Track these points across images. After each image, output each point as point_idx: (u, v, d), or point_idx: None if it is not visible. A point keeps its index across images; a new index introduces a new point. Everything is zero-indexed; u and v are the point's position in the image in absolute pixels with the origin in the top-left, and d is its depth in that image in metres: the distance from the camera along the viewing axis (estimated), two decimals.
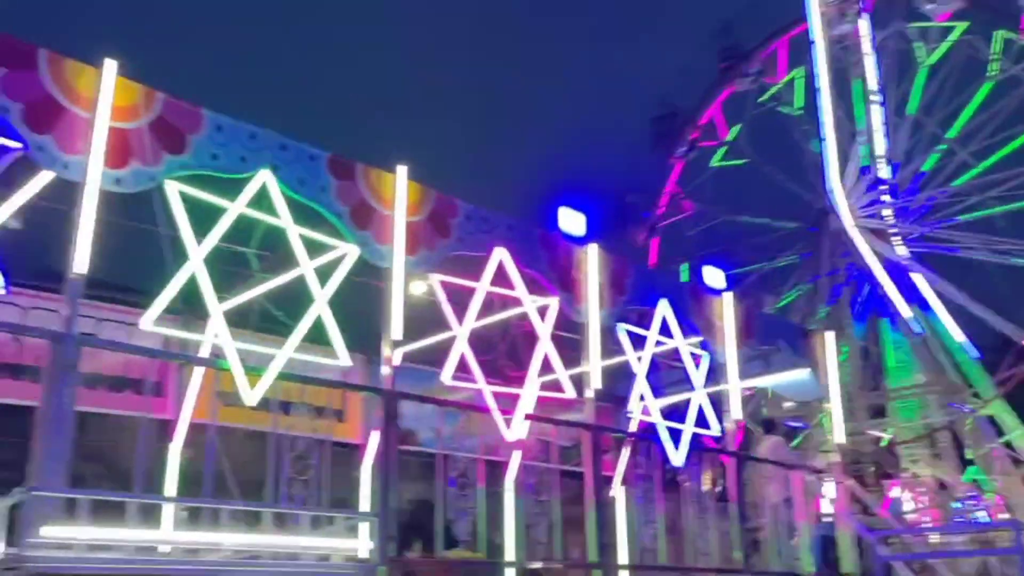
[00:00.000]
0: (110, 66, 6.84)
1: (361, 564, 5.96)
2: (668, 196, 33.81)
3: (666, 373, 11.08)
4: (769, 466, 12.38)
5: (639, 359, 10.31)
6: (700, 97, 33.56)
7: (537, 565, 8.95)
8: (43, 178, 6.82)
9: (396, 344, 8.19)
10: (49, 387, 6.17)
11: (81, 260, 6.49)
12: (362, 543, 6.34)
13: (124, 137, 6.88)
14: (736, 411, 11.29)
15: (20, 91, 6.41)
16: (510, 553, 8.73)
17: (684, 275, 32.09)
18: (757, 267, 31.80)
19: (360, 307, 8.98)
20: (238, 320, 8.33)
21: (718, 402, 11.18)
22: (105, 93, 6.77)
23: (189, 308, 7.68)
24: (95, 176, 6.63)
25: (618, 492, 9.93)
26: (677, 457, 10.17)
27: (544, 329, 9.33)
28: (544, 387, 9.35)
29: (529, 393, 9.05)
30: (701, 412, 10.58)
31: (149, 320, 6.98)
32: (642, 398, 10.15)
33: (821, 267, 30.02)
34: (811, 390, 13.13)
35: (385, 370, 8.12)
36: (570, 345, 9.87)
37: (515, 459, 8.96)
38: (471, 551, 8.91)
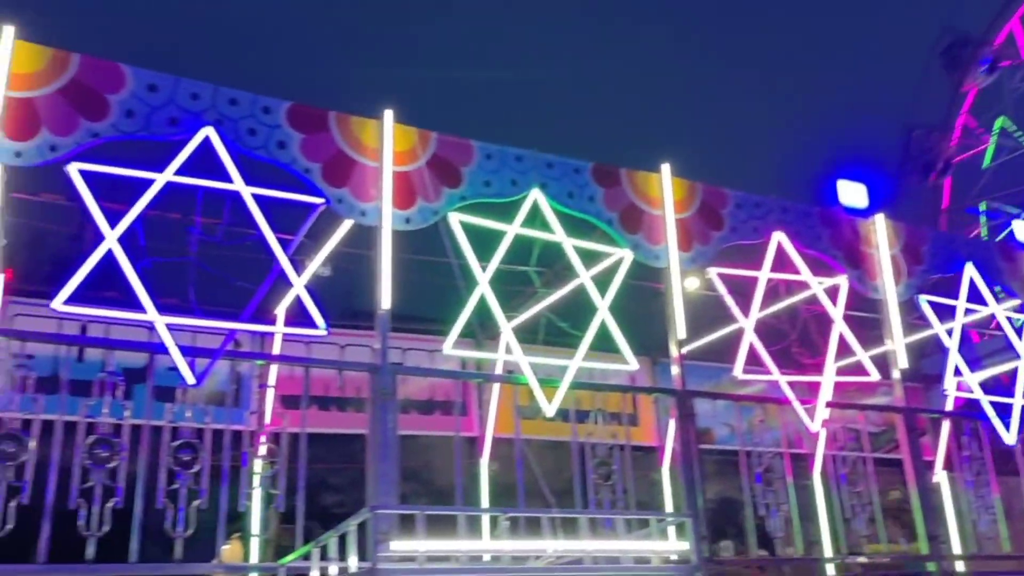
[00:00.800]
0: (388, 116, 7.43)
1: (683, 565, 5.96)
2: (960, 128, 30.37)
3: (983, 343, 10.06)
4: None
5: (948, 331, 9.44)
6: (992, 16, 29.81)
7: (861, 560, 8.44)
8: (344, 227, 7.56)
9: (682, 343, 8.13)
10: (374, 415, 6.77)
11: (385, 296, 7.06)
12: (678, 544, 6.33)
13: (407, 179, 7.42)
14: None
15: (318, 152, 7.14)
16: (828, 548, 8.33)
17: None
18: None
19: (637, 310, 9.02)
20: (527, 336, 8.69)
21: None
22: (387, 142, 7.36)
23: (482, 329, 8.13)
24: (388, 219, 7.20)
25: (941, 477, 9.15)
26: (1009, 435, 9.17)
27: (837, 311, 8.82)
28: (843, 371, 8.85)
29: (828, 379, 8.59)
30: None
31: (449, 344, 7.44)
32: (958, 373, 9.27)
33: None
34: None
35: (675, 370, 8.08)
36: (867, 324, 9.26)
37: (820, 449, 8.55)
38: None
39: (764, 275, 8.61)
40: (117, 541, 6.06)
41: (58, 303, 5.99)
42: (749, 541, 8.06)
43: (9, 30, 6.25)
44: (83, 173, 6.25)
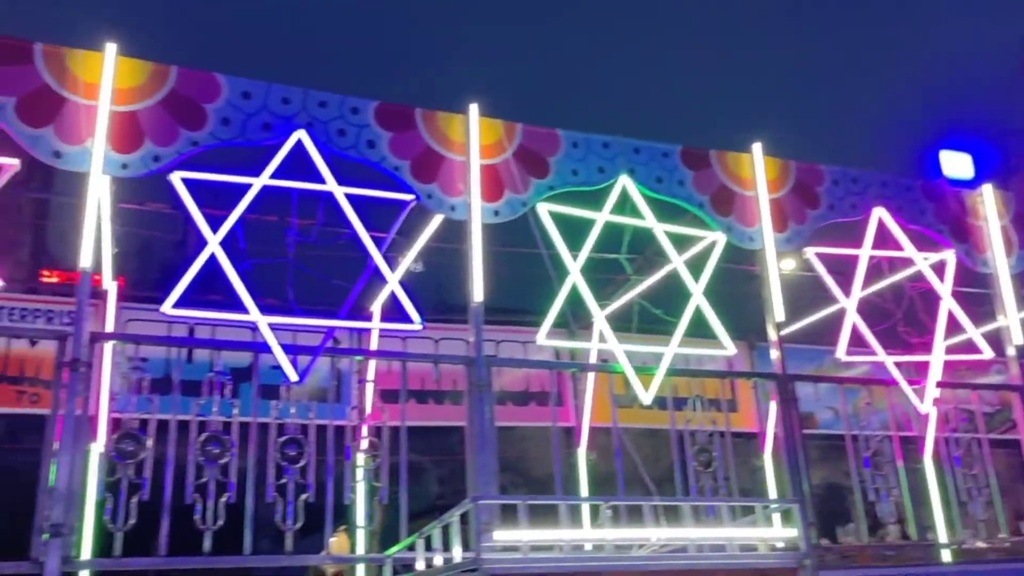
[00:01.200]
0: (473, 110, 7.47)
1: (791, 553, 5.82)
2: None
3: None
4: None
5: None
6: None
7: (980, 545, 8.09)
8: (434, 223, 7.65)
9: (780, 326, 7.94)
10: (471, 407, 6.83)
11: (477, 289, 7.11)
12: (786, 531, 6.19)
13: (495, 172, 7.45)
14: None
15: (406, 149, 7.23)
16: (942, 533, 8.01)
17: None
18: None
19: (732, 293, 8.85)
20: (620, 324, 8.63)
21: None
22: (473, 136, 7.40)
23: (575, 319, 8.11)
24: (477, 212, 7.24)
25: None
26: None
27: (944, 287, 8.48)
28: (953, 350, 8.50)
29: (937, 359, 8.26)
30: None
31: (542, 335, 7.44)
32: None
33: None
34: None
35: (774, 353, 7.90)
36: (977, 300, 8.88)
37: (931, 431, 8.23)
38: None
39: (865, 253, 8.34)
40: (230, 536, 6.28)
41: (167, 307, 6.24)
42: (860, 527, 7.83)
43: (112, 47, 6.53)
44: (185, 181, 6.49)
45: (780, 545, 6.50)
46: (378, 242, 7.07)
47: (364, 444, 7.22)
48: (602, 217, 7.75)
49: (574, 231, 7.70)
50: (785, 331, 8.04)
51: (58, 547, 5.53)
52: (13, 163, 6.20)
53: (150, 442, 6.19)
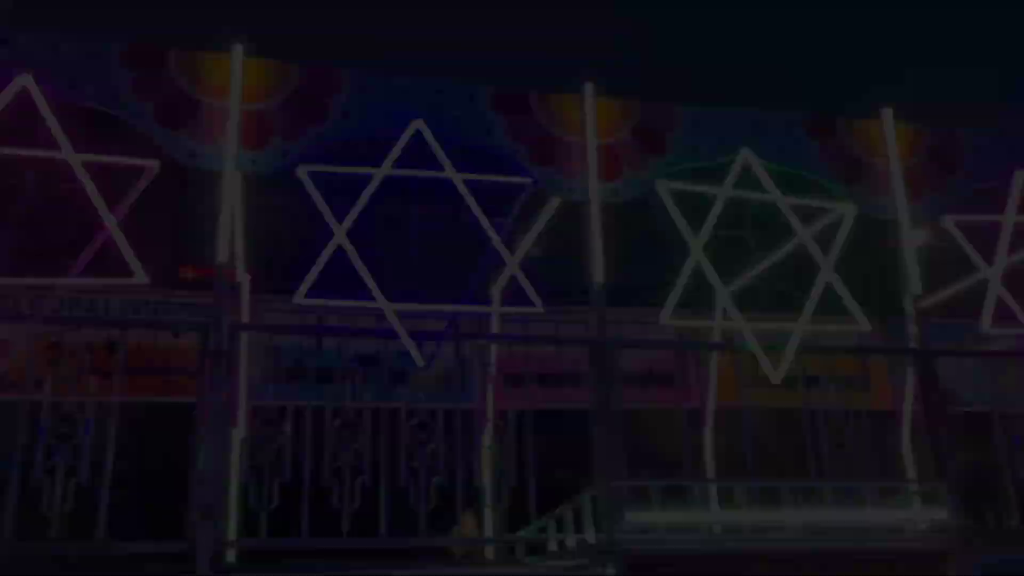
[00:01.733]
0: (589, 90, 7.40)
1: (940, 536, 5.55)
2: None
3: None
4: None
5: None
6: None
7: None
8: (552, 206, 7.63)
9: (918, 299, 7.57)
10: (596, 389, 6.80)
11: (599, 271, 7.05)
12: (931, 513, 5.92)
13: (613, 152, 7.37)
14: None
15: (523, 134, 7.23)
16: None
17: None
18: None
19: (864, 267, 8.48)
20: (746, 302, 8.40)
21: None
22: (589, 116, 7.33)
23: (699, 298, 7.93)
24: (595, 193, 7.17)
25: None
26: None
27: None
28: None
29: None
30: None
31: (665, 315, 7.32)
32: None
33: None
34: None
35: (912, 328, 7.54)
36: None
37: None
38: None
39: (1009, 219, 7.84)
40: (365, 517, 6.45)
41: (299, 297, 6.45)
42: (1010, 508, 7.40)
43: (238, 49, 6.77)
44: (310, 174, 6.68)
45: (922, 527, 6.23)
46: (497, 227, 7.10)
47: (489, 428, 7.30)
48: (724, 192, 7.54)
49: (696, 207, 7.53)
50: (923, 304, 7.66)
51: (209, 527, 5.81)
52: (152, 164, 6.52)
53: (288, 427, 6.43)
